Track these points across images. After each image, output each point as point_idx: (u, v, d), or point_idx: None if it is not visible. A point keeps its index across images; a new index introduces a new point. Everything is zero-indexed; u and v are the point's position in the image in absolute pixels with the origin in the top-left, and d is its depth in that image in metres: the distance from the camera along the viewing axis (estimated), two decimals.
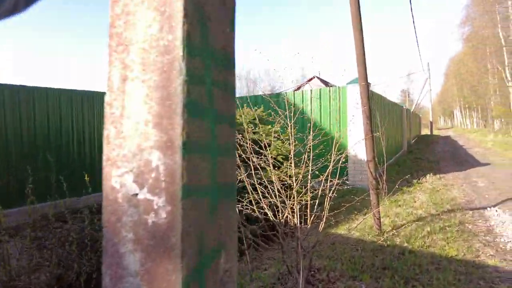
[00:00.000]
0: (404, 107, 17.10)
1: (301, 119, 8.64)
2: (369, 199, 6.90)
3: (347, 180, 8.19)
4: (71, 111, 7.46)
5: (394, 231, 4.66)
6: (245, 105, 5.97)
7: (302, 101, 8.58)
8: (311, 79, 33.67)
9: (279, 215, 3.34)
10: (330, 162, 3.76)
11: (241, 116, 5.56)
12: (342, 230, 4.99)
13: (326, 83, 27.50)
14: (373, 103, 8.73)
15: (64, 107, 7.36)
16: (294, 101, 8.73)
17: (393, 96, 76.70)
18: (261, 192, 3.39)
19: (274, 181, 3.38)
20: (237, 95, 10.06)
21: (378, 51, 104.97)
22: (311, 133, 3.66)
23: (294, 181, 3.55)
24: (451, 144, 22.24)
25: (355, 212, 5.51)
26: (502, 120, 32.41)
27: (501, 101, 30.82)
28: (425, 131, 42.84)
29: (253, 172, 3.53)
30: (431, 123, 36.52)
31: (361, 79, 3.94)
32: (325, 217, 3.28)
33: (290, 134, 3.66)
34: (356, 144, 7.62)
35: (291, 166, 3.87)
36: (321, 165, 3.86)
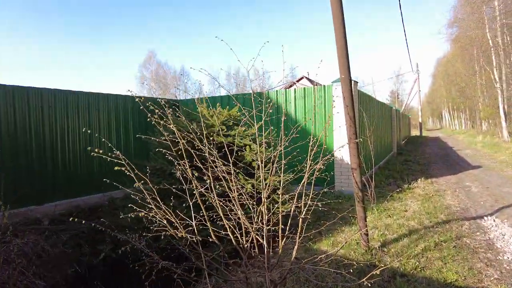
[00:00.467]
0: (394, 108, 16.69)
1: (284, 120, 8.06)
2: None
3: (332, 186, 7.63)
4: None
5: (384, 248, 4.08)
6: (218, 103, 5.33)
7: (286, 101, 8.00)
8: (300, 79, 33.24)
9: (243, 238, 2.72)
10: (307, 168, 3.16)
11: (212, 116, 4.93)
12: (325, 245, 4.40)
13: (316, 84, 27.05)
14: (361, 103, 8.20)
15: None
16: (277, 101, 8.15)
17: (382, 97, 77.02)
18: (221, 208, 2.76)
19: (237, 194, 2.76)
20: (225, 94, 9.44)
21: (366, 52, 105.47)
22: (282, 135, 3.05)
23: (264, 194, 2.94)
24: (441, 145, 21.98)
25: (341, 222, 4.93)
26: (490, 121, 32.47)
27: (489, 102, 30.83)
28: (414, 132, 42.84)
29: (210, 183, 2.90)
30: (421, 124, 36.44)
31: (342, 72, 3.35)
32: (297, 243, 2.68)
33: (257, 137, 3.05)
34: (342, 147, 7.07)
35: (266, 174, 3.27)
36: (297, 172, 3.26)
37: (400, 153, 16.32)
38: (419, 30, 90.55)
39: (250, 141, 4.80)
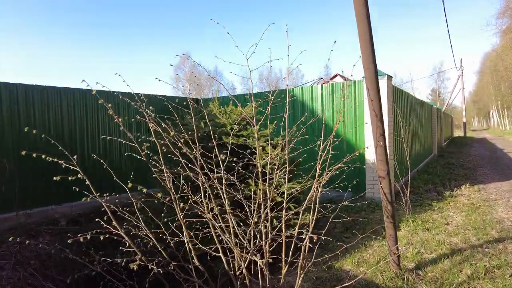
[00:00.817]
0: (434, 107, 15.39)
1: (310, 119, 7.45)
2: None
3: (363, 193, 6.92)
4: None
5: (419, 271, 3.41)
6: (230, 102, 4.88)
7: (312, 99, 7.39)
8: (333, 77, 32.09)
9: (235, 262, 2.23)
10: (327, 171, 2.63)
11: (224, 114, 4.49)
12: (349, 264, 3.80)
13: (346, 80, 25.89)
14: (395, 100, 7.39)
15: None
16: (302, 99, 7.56)
17: (423, 96, 72.98)
18: (213, 224, 2.29)
19: (229, 208, 2.28)
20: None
21: (405, 48, 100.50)
22: (286, 134, 2.56)
23: (258, 208, 2.44)
24: (489, 147, 20.10)
25: (370, 233, 4.29)
26: None
27: None
28: (457, 133, 39.99)
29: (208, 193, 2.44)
30: (465, 124, 33.86)
31: (366, 61, 2.74)
32: (299, 274, 2.15)
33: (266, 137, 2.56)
34: (367, 148, 6.36)
35: (269, 182, 2.77)
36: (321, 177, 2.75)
37: (441, 155, 15.02)
38: (462, 23, 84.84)
39: (265, 142, 4.30)
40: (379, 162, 3.00)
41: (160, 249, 2.12)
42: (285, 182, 2.56)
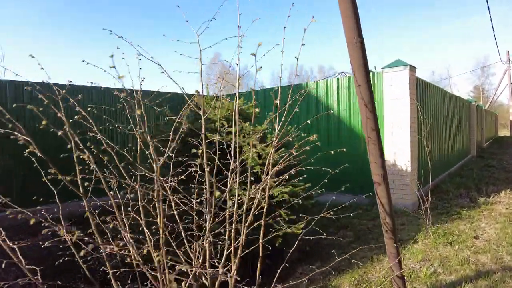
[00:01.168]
0: (473, 103, 14.04)
1: (325, 115, 6.88)
2: (407, 227, 4.97)
3: (369, 198, 6.24)
4: None
5: None
6: (223, 96, 4.46)
7: (327, 94, 6.80)
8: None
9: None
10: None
11: (215, 108, 4.07)
12: (348, 281, 3.25)
13: None
14: (420, 94, 6.60)
15: None
16: (317, 94, 6.98)
17: (463, 93, 68.43)
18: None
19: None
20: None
21: (445, 42, 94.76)
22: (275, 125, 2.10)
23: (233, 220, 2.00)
24: None
25: (381, 245, 3.70)
26: None
27: None
28: (503, 133, 36.94)
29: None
30: (511, 122, 31.11)
31: (350, 34, 2.16)
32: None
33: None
34: (397, 149, 5.69)
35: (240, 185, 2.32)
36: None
37: (480, 156, 13.69)
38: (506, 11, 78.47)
39: (257, 140, 3.84)
40: (373, 165, 2.44)
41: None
42: (248, 189, 2.10)
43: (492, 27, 17.84)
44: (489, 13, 16.34)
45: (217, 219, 2.03)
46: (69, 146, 1.72)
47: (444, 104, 8.63)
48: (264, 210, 2.12)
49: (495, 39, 24.75)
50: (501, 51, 41.59)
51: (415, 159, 5.83)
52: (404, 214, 5.50)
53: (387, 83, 5.85)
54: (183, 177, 2.00)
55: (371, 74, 6.17)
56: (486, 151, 16.07)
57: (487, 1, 15.64)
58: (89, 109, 2.04)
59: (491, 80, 60.72)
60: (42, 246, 1.64)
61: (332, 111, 6.65)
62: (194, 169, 2.03)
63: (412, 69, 5.73)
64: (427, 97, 7.17)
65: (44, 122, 1.58)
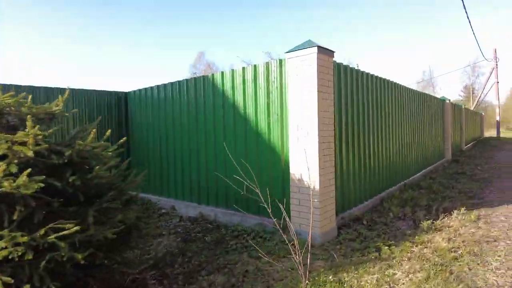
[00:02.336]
0: (448, 102, 12.64)
1: (234, 116, 5.41)
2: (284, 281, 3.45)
3: (286, 222, 4.76)
4: None
5: None
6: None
7: (233, 88, 5.32)
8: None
9: None
10: None
11: None
12: None
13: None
14: (350, 86, 5.12)
15: None
16: (223, 87, 5.49)
17: (453, 93, 67.41)
18: None
19: None
20: None
21: (438, 41, 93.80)
22: None
23: None
24: None
25: None
26: None
27: None
28: (490, 133, 35.79)
29: None
30: (498, 122, 29.91)
31: None
32: None
33: None
34: (304, 160, 4.23)
35: None
36: None
37: (455, 161, 12.30)
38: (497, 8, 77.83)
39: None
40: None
41: None
42: None
43: (470, 25, 16.53)
44: (466, 11, 14.98)
45: None
46: None
47: (399, 102, 7.18)
48: None
49: (475, 37, 23.46)
50: (489, 49, 40.27)
51: (329, 173, 4.35)
52: (313, 246, 4.00)
53: (292, 72, 4.37)
54: None
55: (278, 61, 4.70)
56: (465, 154, 14.70)
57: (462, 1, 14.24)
58: None
59: (481, 79, 59.76)
60: None
61: (241, 111, 5.17)
62: None
63: (324, 51, 4.24)
64: (364, 92, 5.71)
65: None
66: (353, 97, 5.32)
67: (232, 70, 5.36)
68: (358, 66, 32.54)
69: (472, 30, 23.59)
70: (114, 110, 7.62)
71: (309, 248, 3.12)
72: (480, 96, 33.26)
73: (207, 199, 5.87)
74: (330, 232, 4.34)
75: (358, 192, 5.47)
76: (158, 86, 6.83)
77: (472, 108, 29.91)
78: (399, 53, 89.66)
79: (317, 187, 4.13)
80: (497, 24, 78.88)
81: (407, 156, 7.82)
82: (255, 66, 5.01)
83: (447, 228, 4.61)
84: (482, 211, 5.53)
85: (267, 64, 4.84)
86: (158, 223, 5.81)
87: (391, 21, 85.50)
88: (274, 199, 4.36)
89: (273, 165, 4.80)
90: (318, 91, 4.13)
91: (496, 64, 29.98)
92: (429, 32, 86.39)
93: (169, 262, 4.30)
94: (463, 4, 14.94)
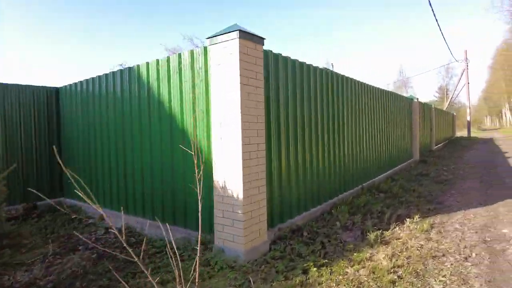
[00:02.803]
0: (416, 100, 12.34)
1: (152, 110, 4.71)
2: None
3: (209, 238, 4.05)
4: None
5: None
6: None
7: (158, 80, 4.62)
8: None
9: None
10: None
11: None
12: None
13: None
14: (289, 79, 4.51)
15: None
16: (148, 79, 4.78)
17: (430, 94, 68.83)
18: None
19: None
20: None
21: (412, 42, 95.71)
22: None
23: None
24: (490, 150, 16.90)
25: None
26: None
27: None
28: (464, 133, 36.45)
29: None
30: (469, 122, 30.36)
31: None
32: None
33: None
34: (228, 165, 3.58)
35: None
36: None
37: (423, 161, 12.00)
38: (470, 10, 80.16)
39: None
40: None
41: None
42: None
43: (438, 26, 16.44)
44: (434, 14, 14.81)
45: None
46: None
47: (358, 99, 6.65)
48: None
49: (444, 38, 23.64)
50: (460, 51, 40.90)
51: (258, 179, 3.72)
52: (230, 268, 3.36)
53: (214, 61, 3.71)
54: None
55: (203, 49, 4.03)
56: (434, 154, 14.50)
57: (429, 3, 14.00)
58: None
59: (455, 80, 61.18)
60: None
61: (166, 106, 4.47)
62: None
63: (249, 37, 3.59)
64: (311, 87, 5.12)
65: None
66: (296, 91, 4.72)
67: (157, 60, 4.65)
68: (333, 66, 32.30)
69: (441, 32, 23.53)
70: (43, 107, 6.74)
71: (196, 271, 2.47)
72: (452, 97, 33.75)
73: (134, 208, 5.14)
74: (259, 248, 3.70)
75: (303, 198, 4.88)
76: (87, 80, 6.03)
77: (444, 108, 30.26)
78: (377, 55, 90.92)
79: (240, 196, 3.49)
80: (469, 26, 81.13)
81: (367, 157, 7.32)
82: (179, 54, 4.32)
83: (395, 241, 4.06)
84: (437, 218, 5.05)
85: (192, 52, 4.16)
86: (80, 235, 5.03)
87: (372, 21, 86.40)
88: (203, 209, 3.71)
89: (199, 169, 4.13)
90: (241, 83, 3.48)
91: (467, 66, 30.41)
92: (406, 33, 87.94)
93: (68, 287, 3.58)
94: (431, 8, 14.78)
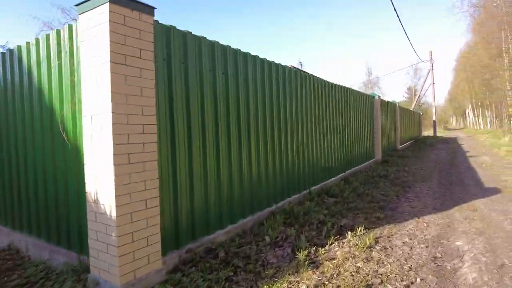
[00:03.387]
0: (377, 98, 11.85)
1: (34, 99, 3.73)
2: None
3: (84, 261, 3.03)
4: None
5: None
6: None
7: (38, 64, 3.65)
8: None
9: None
10: None
11: None
12: None
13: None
14: (198, 63, 3.66)
15: None
16: (29, 63, 3.78)
17: (399, 94, 70.52)
18: None
19: None
20: None
21: (382, 43, 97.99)
22: None
23: None
24: (453, 149, 16.86)
25: None
26: None
27: None
28: (430, 132, 37.15)
29: None
30: (435, 122, 30.88)
31: None
32: None
33: None
34: (98, 172, 2.64)
35: None
36: None
37: (385, 161, 11.51)
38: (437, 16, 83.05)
39: None
40: None
41: None
42: None
43: (402, 26, 16.22)
44: (397, 14, 14.47)
45: None
46: None
47: (304, 94, 5.90)
48: None
49: (408, 38, 23.72)
50: (426, 52, 41.66)
51: (144, 190, 2.83)
52: None
53: (84, 35, 2.79)
54: None
55: (67, 28, 3.09)
56: (398, 154, 14.14)
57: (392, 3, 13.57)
58: None
59: (423, 81, 62.82)
60: None
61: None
62: None
63: (127, 3, 2.70)
64: (238, 75, 4.30)
65: None
66: (216, 79, 3.87)
67: (37, 39, 3.65)
68: (301, 64, 31.90)
69: (405, 33, 23.47)
70: None
71: None
72: (418, 97, 34.26)
73: (19, 224, 4.11)
74: (147, 280, 2.81)
75: (226, 209, 4.03)
76: None
77: (412, 108, 30.56)
78: (348, 56, 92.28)
79: (114, 213, 2.59)
80: (435, 28, 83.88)
81: (318, 158, 6.60)
82: (58, 31, 3.36)
83: (327, 262, 3.29)
84: (386, 229, 4.36)
85: (70, 27, 3.21)
86: None
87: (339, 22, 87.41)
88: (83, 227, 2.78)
89: (75, 176, 3.21)
90: (112, 62, 2.58)
91: (432, 66, 30.92)
92: (376, 33, 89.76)
93: None
94: (395, 9, 14.40)
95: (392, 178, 8.19)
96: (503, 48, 23.72)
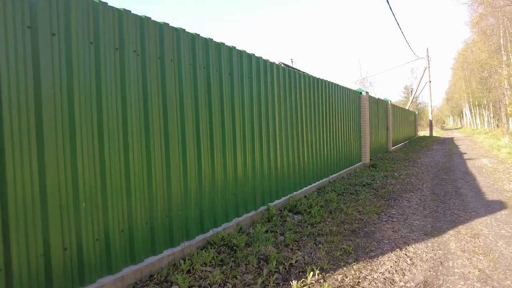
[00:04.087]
0: (364, 94, 10.59)
1: None
2: None
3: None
4: None
5: None
6: None
7: None
8: None
9: None
10: None
11: None
12: None
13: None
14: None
15: None
16: None
17: (396, 94, 69.55)
18: None
19: None
20: None
21: (380, 42, 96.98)
22: None
23: None
24: (449, 151, 15.67)
25: None
26: None
27: None
28: (427, 132, 36.06)
29: None
30: (431, 122, 29.74)
31: None
32: None
33: None
34: None
35: None
36: None
37: (373, 165, 10.27)
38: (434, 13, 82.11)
39: None
40: None
41: None
42: None
43: (398, 24, 15.04)
44: (392, 12, 13.27)
45: None
46: None
47: (270, 87, 4.64)
48: None
49: (404, 36, 22.52)
50: (423, 48, 40.44)
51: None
52: None
53: None
54: None
55: None
56: (388, 156, 12.94)
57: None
58: None
59: (419, 79, 61.75)
60: None
61: None
62: None
63: None
64: (182, 61, 3.01)
65: None
66: (146, 60, 2.60)
67: None
68: (292, 62, 30.63)
69: (401, 30, 22.21)
70: None
71: None
72: (414, 95, 33.14)
73: None
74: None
75: (125, 243, 2.76)
76: None
77: (407, 107, 29.41)
78: (345, 55, 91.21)
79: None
80: (431, 25, 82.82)
81: (285, 164, 5.33)
82: None
83: None
84: (351, 270, 3.10)
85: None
86: None
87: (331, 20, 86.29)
88: None
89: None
90: None
91: (428, 63, 29.79)
92: (373, 32, 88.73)
93: None
94: (390, 7, 13.22)
95: (376, 187, 6.95)
96: (502, 43, 22.60)
